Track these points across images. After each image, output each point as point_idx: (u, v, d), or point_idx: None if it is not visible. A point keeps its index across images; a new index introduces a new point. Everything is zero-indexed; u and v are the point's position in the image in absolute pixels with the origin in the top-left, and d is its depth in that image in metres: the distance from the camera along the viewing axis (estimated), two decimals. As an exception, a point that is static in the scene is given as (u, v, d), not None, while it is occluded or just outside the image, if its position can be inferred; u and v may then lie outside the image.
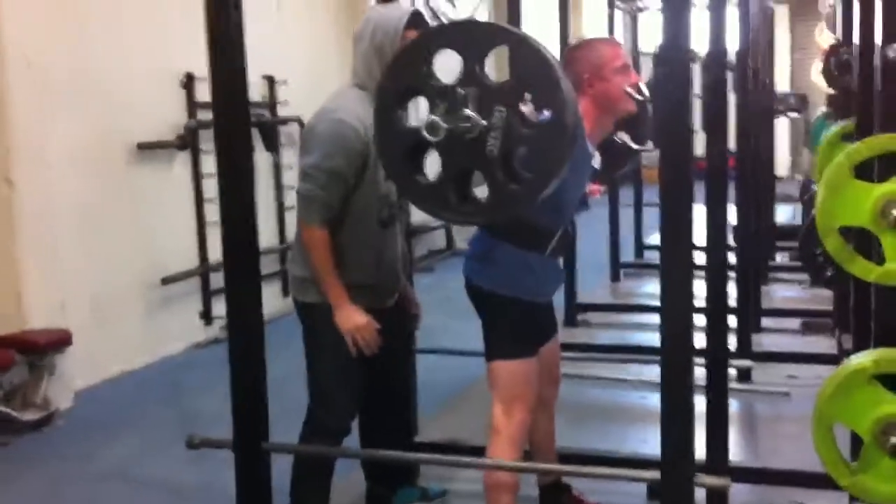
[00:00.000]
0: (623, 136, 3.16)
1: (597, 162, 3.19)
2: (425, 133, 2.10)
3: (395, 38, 3.01)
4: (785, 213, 10.46)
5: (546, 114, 2.16)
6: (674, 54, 2.05)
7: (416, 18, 3.09)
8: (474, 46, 2.18)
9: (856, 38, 2.87)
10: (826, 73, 4.53)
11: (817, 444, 2.03)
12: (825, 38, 7.20)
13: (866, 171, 2.09)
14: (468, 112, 2.12)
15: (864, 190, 2.02)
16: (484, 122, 2.12)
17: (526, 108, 2.25)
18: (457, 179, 2.20)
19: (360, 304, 3.10)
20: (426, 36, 2.28)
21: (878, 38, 2.11)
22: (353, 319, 3.05)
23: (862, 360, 1.98)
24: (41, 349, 4.86)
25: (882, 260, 2.02)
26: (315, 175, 2.97)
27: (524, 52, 2.17)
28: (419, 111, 2.44)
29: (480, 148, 2.13)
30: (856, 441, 2.10)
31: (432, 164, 2.31)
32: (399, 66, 2.28)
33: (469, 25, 2.39)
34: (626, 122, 3.12)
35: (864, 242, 2.10)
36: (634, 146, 3.12)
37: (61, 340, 4.99)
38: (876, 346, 2.04)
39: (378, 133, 2.29)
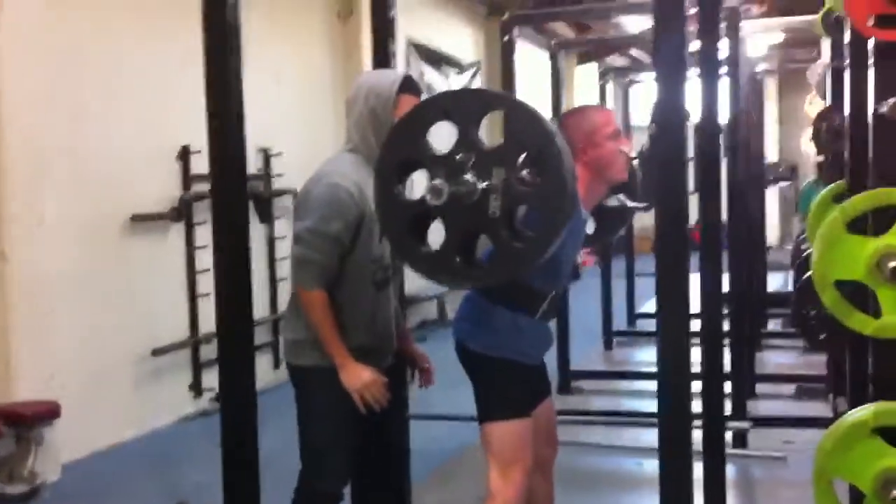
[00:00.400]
0: (620, 197, 3.18)
1: (590, 227, 3.20)
2: (428, 197, 2.11)
3: (389, 102, 3.04)
4: (776, 281, 10.50)
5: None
6: (670, 114, 2.08)
7: (408, 82, 3.12)
8: (468, 113, 2.21)
9: (846, 102, 2.91)
10: (816, 139, 4.57)
11: (818, 499, 1.99)
12: (814, 107, 7.30)
13: (860, 226, 2.09)
14: (468, 176, 2.14)
15: (858, 244, 2.02)
16: (484, 185, 2.14)
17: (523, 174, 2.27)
18: (461, 245, 2.22)
19: (353, 346, 3.08)
20: (421, 108, 2.31)
21: (869, 97, 2.14)
22: (360, 377, 3.00)
23: (861, 413, 1.96)
24: (29, 421, 4.79)
25: (878, 313, 2.01)
26: (310, 239, 2.97)
27: (517, 113, 2.20)
28: (413, 188, 2.45)
29: (483, 210, 2.15)
30: (855, 497, 2.06)
31: (434, 236, 2.32)
32: (396, 140, 2.32)
33: (461, 94, 2.46)
34: (617, 186, 3.14)
35: (860, 297, 2.09)
36: (629, 203, 3.13)
37: (49, 412, 4.92)
38: (875, 400, 2.02)
39: (380, 207, 2.31)
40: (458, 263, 2.23)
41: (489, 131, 2.59)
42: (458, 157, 2.18)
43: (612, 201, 3.21)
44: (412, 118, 2.31)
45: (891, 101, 1.98)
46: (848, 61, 2.81)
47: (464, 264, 2.24)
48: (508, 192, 2.14)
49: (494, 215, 2.14)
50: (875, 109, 2.05)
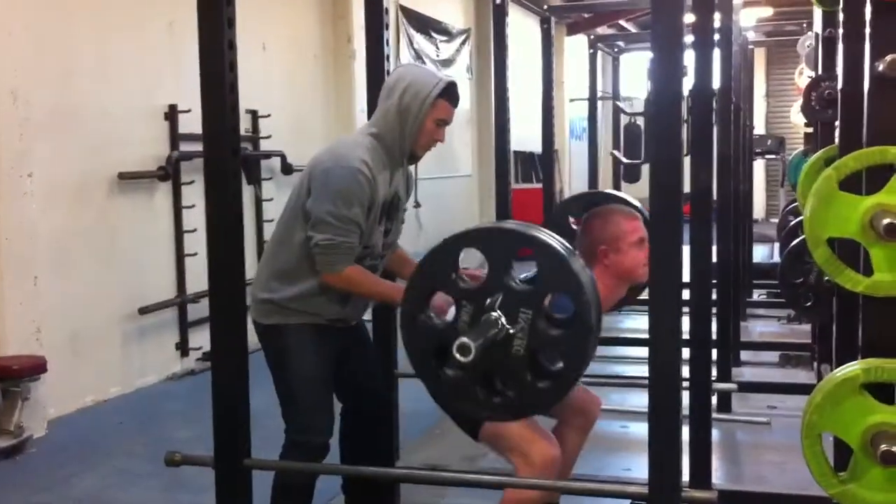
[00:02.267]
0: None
1: None
2: (457, 354, 2.09)
3: (425, 103, 3.05)
4: (760, 253, 10.57)
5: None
6: (667, 85, 2.09)
7: (450, 89, 3.11)
8: (500, 251, 2.23)
9: (840, 66, 2.91)
10: (806, 108, 4.57)
11: (806, 453, 2.01)
12: (804, 79, 7.31)
13: (853, 184, 2.10)
14: (495, 315, 2.15)
15: (851, 202, 2.03)
16: (510, 328, 2.15)
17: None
18: (482, 378, 2.23)
19: (321, 322, 3.08)
20: (453, 240, 2.32)
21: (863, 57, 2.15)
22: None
23: (851, 369, 1.98)
24: (16, 375, 4.80)
25: (870, 271, 2.02)
26: (334, 223, 2.96)
27: (548, 256, 2.21)
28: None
29: (507, 348, 2.16)
30: (841, 452, 2.09)
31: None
32: (430, 266, 2.32)
33: (494, 231, 2.45)
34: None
35: (851, 255, 2.11)
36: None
37: (36, 367, 4.94)
38: (864, 357, 2.04)
39: (405, 332, 2.31)
40: (479, 395, 2.24)
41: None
42: (487, 300, 2.19)
43: None
44: (443, 249, 2.31)
45: (888, 58, 1.98)
46: (842, 28, 2.81)
47: (486, 395, 2.24)
48: (534, 334, 2.15)
49: (518, 354, 2.16)
50: (873, 68, 2.05)
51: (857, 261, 2.10)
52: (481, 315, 2.17)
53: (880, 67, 2.00)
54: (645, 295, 2.29)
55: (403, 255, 3.46)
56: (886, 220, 1.92)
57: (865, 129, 2.11)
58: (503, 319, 2.14)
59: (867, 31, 2.13)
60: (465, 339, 2.08)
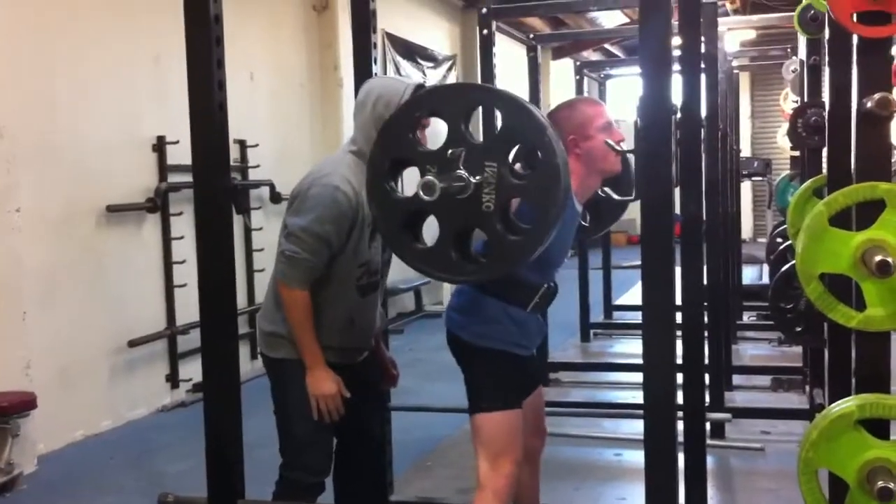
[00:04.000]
0: (606, 190, 3.20)
1: (584, 220, 3.22)
2: (421, 193, 2.11)
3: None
4: (749, 275, 10.60)
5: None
6: (656, 107, 2.11)
7: (419, 91, 3.12)
8: (457, 108, 2.21)
9: (825, 98, 2.93)
10: (792, 134, 4.60)
11: (803, 490, 2.02)
12: (790, 103, 7.36)
13: (843, 220, 2.12)
14: (460, 171, 2.14)
15: (843, 238, 2.04)
16: (476, 179, 2.14)
17: (516, 167, 2.28)
18: (456, 240, 2.22)
19: (326, 358, 3.08)
20: (409, 105, 2.32)
21: (850, 92, 2.16)
22: (322, 386, 3.03)
23: (846, 405, 1.98)
24: (5, 412, 4.76)
25: (862, 306, 2.03)
26: (303, 238, 2.97)
27: (507, 107, 2.21)
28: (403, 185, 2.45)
29: (476, 205, 2.16)
30: (836, 488, 2.09)
31: (428, 234, 2.33)
32: (387, 139, 2.32)
33: (450, 90, 2.46)
34: (610, 179, 3.16)
35: (844, 289, 2.12)
36: (616, 197, 3.15)
37: (26, 403, 4.90)
38: (858, 392, 2.04)
39: (374, 205, 2.31)
40: (453, 258, 2.24)
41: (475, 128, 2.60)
42: (449, 153, 2.19)
43: (601, 193, 3.22)
44: (401, 116, 2.32)
45: (876, 96, 2.00)
46: (827, 58, 2.83)
47: (459, 259, 2.24)
48: (501, 186, 2.14)
49: (488, 209, 2.15)
50: (860, 105, 2.07)
51: (849, 295, 2.11)
52: (447, 173, 2.17)
53: (868, 104, 2.02)
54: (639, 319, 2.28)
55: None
56: (878, 258, 1.93)
57: (854, 165, 2.12)
58: (469, 175, 2.14)
59: (853, 65, 2.15)
60: (429, 177, 2.09)
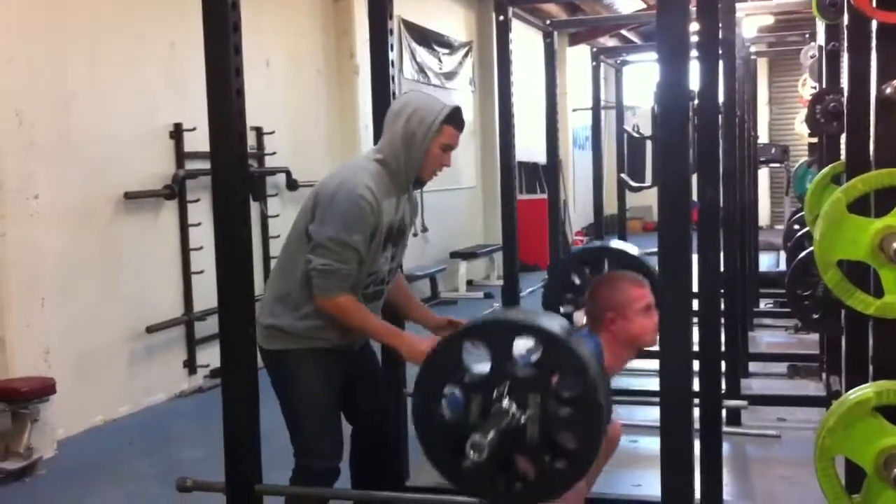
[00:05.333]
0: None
1: None
2: (470, 452, 2.13)
3: (431, 130, 3.07)
4: (766, 262, 10.55)
5: None
6: (674, 95, 2.11)
7: (455, 114, 3.13)
8: (502, 340, 2.25)
9: (844, 84, 2.92)
10: (811, 120, 4.58)
11: (820, 477, 2.02)
12: (808, 89, 7.32)
13: (862, 207, 2.11)
14: (506, 405, 2.18)
15: (861, 225, 2.04)
16: (520, 415, 2.19)
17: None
18: (500, 467, 2.25)
19: (327, 343, 3.09)
20: (458, 335, 2.36)
21: (869, 78, 2.15)
22: (418, 348, 2.96)
23: (863, 392, 1.98)
24: (24, 397, 4.80)
25: (880, 293, 2.03)
26: (332, 248, 2.97)
27: (549, 343, 2.23)
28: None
29: (521, 434, 2.20)
30: (852, 475, 2.09)
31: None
32: (434, 365, 2.36)
33: (495, 321, 2.47)
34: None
35: (861, 276, 2.11)
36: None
37: (45, 389, 4.93)
38: (875, 379, 2.04)
39: (419, 429, 2.35)
40: (500, 484, 2.27)
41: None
42: (494, 385, 2.22)
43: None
44: (448, 344, 2.35)
45: (895, 82, 1.99)
46: (846, 44, 2.81)
47: (506, 484, 2.27)
48: (546, 418, 2.18)
49: (533, 440, 2.19)
50: (879, 91, 2.06)
51: (867, 282, 2.11)
52: (491, 405, 2.20)
53: (887, 91, 2.01)
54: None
55: (404, 289, 3.50)
56: (896, 244, 1.93)
57: (872, 152, 2.12)
58: (513, 408, 2.18)
59: (872, 49, 2.14)
60: (476, 437, 2.12)
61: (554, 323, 2.29)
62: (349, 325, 3.05)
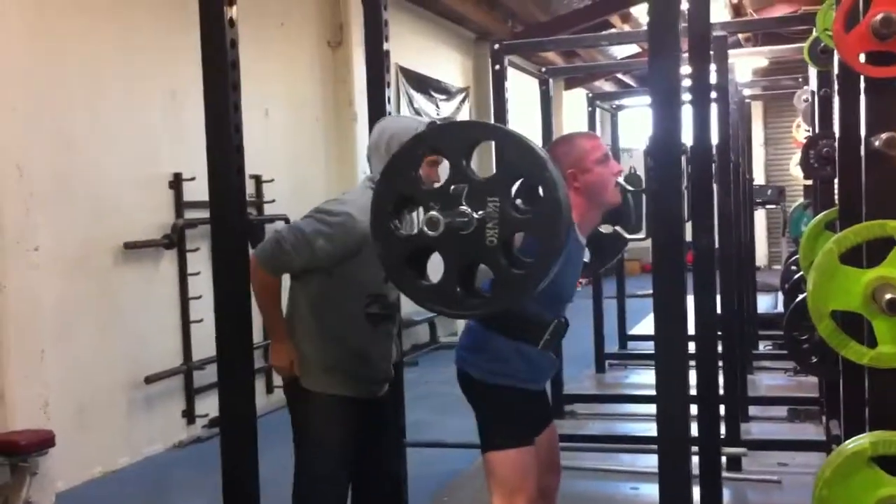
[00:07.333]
0: (613, 227, 3.22)
1: (586, 255, 3.24)
2: (425, 229, 2.13)
3: None
4: (764, 303, 10.56)
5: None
6: (666, 145, 2.13)
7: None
8: (458, 145, 2.24)
9: (836, 130, 2.95)
10: (804, 164, 4.61)
11: (819, 528, 2.02)
12: (801, 132, 7.37)
13: (854, 257, 2.13)
14: (463, 207, 2.16)
15: (854, 275, 2.05)
16: (479, 214, 2.17)
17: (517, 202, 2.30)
18: (460, 275, 2.23)
19: (349, 392, 3.11)
20: (411, 144, 2.34)
21: (859, 129, 2.18)
22: (281, 361, 3.19)
23: (859, 442, 1.98)
24: (24, 450, 4.78)
25: (874, 343, 2.04)
26: (297, 236, 3.07)
27: (508, 143, 2.23)
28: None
29: (480, 240, 2.17)
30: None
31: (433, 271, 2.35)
32: (389, 177, 2.33)
33: (450, 127, 2.47)
34: (611, 214, 3.18)
35: (855, 325, 2.12)
36: (626, 235, 3.16)
37: (44, 442, 4.91)
38: (871, 430, 2.04)
39: (378, 243, 2.33)
40: (458, 294, 2.25)
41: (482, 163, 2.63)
42: (451, 189, 2.21)
43: (607, 230, 3.24)
44: (404, 154, 2.34)
45: (884, 136, 2.01)
46: (836, 92, 2.85)
47: (464, 294, 2.25)
48: (504, 221, 2.15)
49: (492, 244, 2.16)
50: (868, 143, 2.08)
51: (861, 331, 2.12)
52: (450, 209, 2.18)
53: (876, 144, 2.03)
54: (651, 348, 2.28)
55: None
56: (889, 296, 1.94)
57: (864, 203, 2.13)
58: (472, 211, 2.15)
59: (861, 101, 2.16)
60: (433, 213, 2.11)
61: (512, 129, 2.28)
62: (256, 300, 3.02)
